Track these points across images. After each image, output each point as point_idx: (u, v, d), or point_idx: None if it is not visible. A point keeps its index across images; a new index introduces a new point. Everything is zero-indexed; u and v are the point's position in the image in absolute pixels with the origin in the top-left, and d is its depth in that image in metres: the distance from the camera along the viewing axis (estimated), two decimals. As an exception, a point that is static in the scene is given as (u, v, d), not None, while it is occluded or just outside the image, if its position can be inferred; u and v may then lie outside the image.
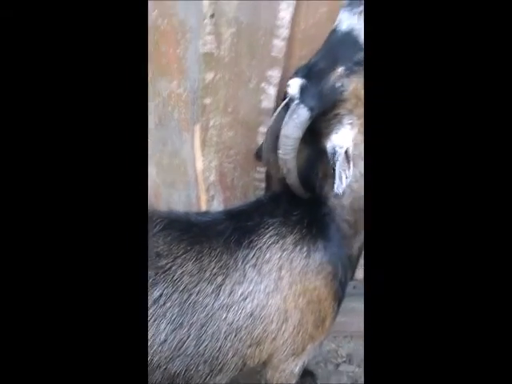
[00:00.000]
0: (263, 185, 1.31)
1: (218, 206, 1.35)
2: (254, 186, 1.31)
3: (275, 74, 1.09)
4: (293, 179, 0.86)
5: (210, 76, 1.08)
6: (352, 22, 0.82)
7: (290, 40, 1.06)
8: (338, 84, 0.82)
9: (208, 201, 1.34)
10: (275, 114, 0.86)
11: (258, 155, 1.06)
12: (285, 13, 0.99)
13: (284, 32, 1.02)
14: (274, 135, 0.87)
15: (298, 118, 0.80)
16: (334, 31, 0.85)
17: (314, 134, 0.89)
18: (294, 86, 0.82)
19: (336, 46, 0.85)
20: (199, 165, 1.26)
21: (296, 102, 0.81)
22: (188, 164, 1.28)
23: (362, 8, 0.81)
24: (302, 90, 0.81)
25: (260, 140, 1.20)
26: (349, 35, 0.83)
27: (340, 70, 0.82)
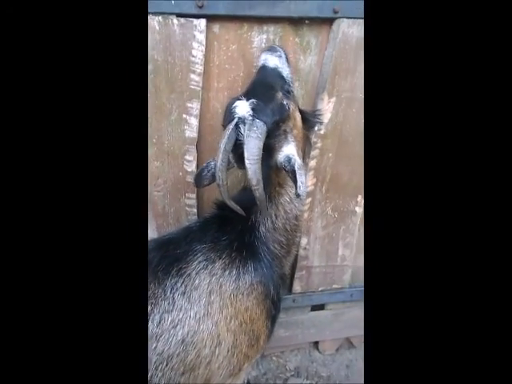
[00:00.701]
0: (195, 210, 1.34)
1: (151, 233, 1.35)
2: (186, 212, 1.34)
3: (195, 105, 1.15)
4: (260, 190, 0.89)
5: (130, 110, 1.11)
6: (275, 61, 1.00)
7: (206, 74, 1.13)
8: (285, 102, 0.95)
9: (141, 230, 1.33)
10: (226, 134, 0.89)
11: (198, 181, 1.06)
12: (197, 51, 1.06)
13: (199, 68, 1.09)
14: (227, 154, 0.90)
15: (258, 130, 0.87)
16: (263, 66, 1.00)
17: (266, 150, 0.92)
18: (243, 106, 0.90)
19: (268, 76, 0.98)
20: (128, 195, 1.26)
21: (250, 118, 0.89)
22: (117, 195, 1.28)
23: (279, 53, 1.00)
24: (254, 108, 0.89)
25: (187, 167, 1.25)
26: (275, 70, 0.99)
27: (280, 93, 0.96)
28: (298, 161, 0.93)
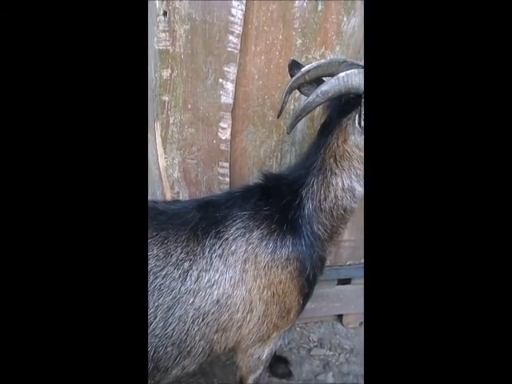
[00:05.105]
0: (227, 179, 1.33)
1: (183, 202, 1.36)
2: (219, 181, 1.33)
3: (231, 69, 1.11)
4: (299, 118, 0.89)
5: (166, 73, 1.10)
6: None
7: (244, 36, 1.09)
8: None
9: (173, 197, 1.35)
10: (329, 60, 0.91)
11: (291, 65, 1.02)
12: (236, 10, 1.01)
13: (238, 28, 1.05)
14: (314, 73, 0.91)
15: (355, 79, 0.83)
16: None
17: (345, 108, 0.93)
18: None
19: None
20: (162, 162, 1.27)
21: (361, 68, 0.85)
22: (151, 162, 1.29)
23: None
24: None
25: (221, 135, 1.23)
26: None
27: None
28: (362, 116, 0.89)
